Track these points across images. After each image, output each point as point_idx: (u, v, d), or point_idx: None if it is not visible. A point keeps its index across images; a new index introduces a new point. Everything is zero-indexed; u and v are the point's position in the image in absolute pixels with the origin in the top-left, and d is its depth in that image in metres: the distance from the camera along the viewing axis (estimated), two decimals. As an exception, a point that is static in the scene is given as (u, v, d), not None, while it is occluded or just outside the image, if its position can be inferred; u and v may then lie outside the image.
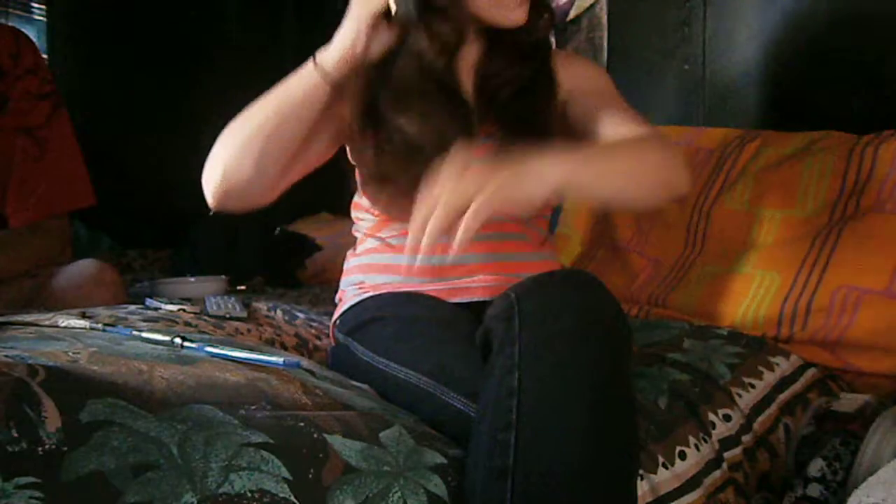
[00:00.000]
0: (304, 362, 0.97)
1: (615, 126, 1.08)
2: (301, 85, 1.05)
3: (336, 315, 1.20)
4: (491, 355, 0.79)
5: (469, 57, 1.14)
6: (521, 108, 1.12)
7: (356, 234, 1.25)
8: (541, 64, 1.16)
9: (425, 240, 0.83)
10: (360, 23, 1.04)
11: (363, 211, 1.20)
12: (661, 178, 1.01)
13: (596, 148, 1.03)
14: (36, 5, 2.90)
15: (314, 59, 1.05)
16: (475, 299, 1.11)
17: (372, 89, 1.08)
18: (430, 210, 0.83)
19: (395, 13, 1.04)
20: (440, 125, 1.05)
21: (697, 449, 0.97)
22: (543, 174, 0.86)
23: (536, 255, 1.18)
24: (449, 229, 0.82)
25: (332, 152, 1.17)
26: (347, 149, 1.19)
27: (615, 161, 0.97)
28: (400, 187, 1.05)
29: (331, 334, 1.23)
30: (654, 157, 1.02)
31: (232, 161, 1.04)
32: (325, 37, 1.19)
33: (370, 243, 1.20)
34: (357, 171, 1.18)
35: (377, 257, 1.18)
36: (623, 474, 0.76)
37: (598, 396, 0.74)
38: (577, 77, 1.18)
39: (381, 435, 0.77)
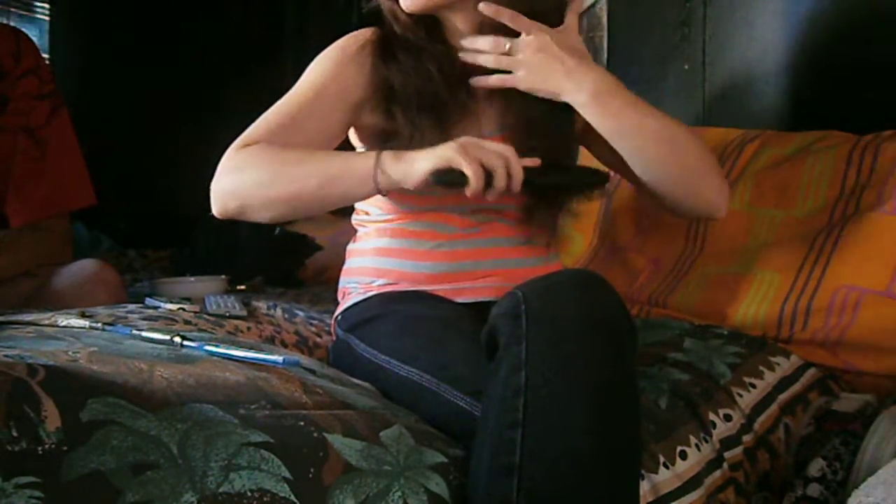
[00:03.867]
0: (304, 360, 0.97)
1: None
2: (352, 182, 1.01)
3: (338, 311, 1.20)
4: (497, 353, 0.79)
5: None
6: (528, 108, 1.11)
7: (359, 227, 1.24)
8: None
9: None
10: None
11: (371, 203, 1.19)
12: (693, 166, 1.12)
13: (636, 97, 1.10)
14: (39, 4, 2.90)
15: (378, 159, 0.99)
16: (480, 300, 1.12)
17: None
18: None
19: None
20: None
21: (698, 449, 0.97)
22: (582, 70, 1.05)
23: (543, 260, 1.19)
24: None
25: (346, 133, 1.18)
26: (353, 132, 1.20)
27: (651, 112, 1.08)
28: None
29: (332, 330, 1.23)
30: (692, 144, 1.11)
31: (252, 205, 1.05)
32: (325, 37, 1.19)
33: (376, 242, 1.19)
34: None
35: (384, 262, 1.17)
36: (627, 473, 0.77)
37: (603, 395, 0.75)
38: None
39: (381, 434, 0.77)
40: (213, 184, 1.07)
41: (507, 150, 0.96)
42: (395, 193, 1.11)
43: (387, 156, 0.99)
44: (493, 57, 1.07)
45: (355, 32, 1.17)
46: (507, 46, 1.06)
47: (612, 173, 1.16)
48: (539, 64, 1.05)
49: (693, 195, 1.13)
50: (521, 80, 1.06)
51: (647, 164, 1.11)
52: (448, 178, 0.96)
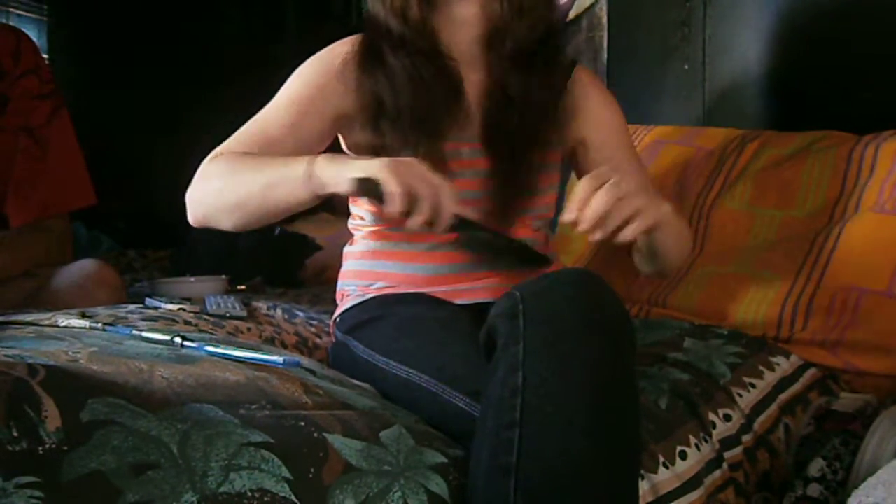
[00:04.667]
0: (304, 361, 0.97)
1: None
2: (290, 186, 0.98)
3: (337, 313, 1.20)
4: (495, 353, 0.79)
5: (469, 70, 1.15)
6: (506, 118, 1.12)
7: (355, 231, 1.24)
8: (541, 76, 1.16)
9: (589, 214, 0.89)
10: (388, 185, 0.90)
11: (366, 208, 1.19)
12: (686, 253, 1.25)
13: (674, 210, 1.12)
14: (35, 5, 2.90)
15: (313, 162, 0.96)
16: (479, 301, 1.11)
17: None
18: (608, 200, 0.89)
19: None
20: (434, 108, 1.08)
21: (698, 449, 0.97)
22: (662, 207, 0.98)
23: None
24: (602, 222, 0.90)
25: (327, 144, 1.17)
26: (342, 139, 1.19)
27: (682, 229, 1.17)
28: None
29: (331, 332, 1.23)
30: (690, 237, 1.24)
31: (213, 213, 1.07)
32: (325, 37, 1.19)
33: (373, 245, 1.19)
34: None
35: (382, 265, 1.17)
36: (625, 473, 0.76)
37: (601, 395, 0.75)
38: (596, 117, 1.22)
39: (381, 434, 0.77)
40: (187, 193, 1.08)
41: (443, 186, 0.91)
42: None
43: (322, 159, 0.97)
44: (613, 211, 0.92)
45: (336, 45, 1.16)
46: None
47: (552, 260, 1.12)
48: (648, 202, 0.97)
49: (667, 272, 1.27)
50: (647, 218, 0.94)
51: (655, 258, 1.16)
52: (369, 189, 0.91)
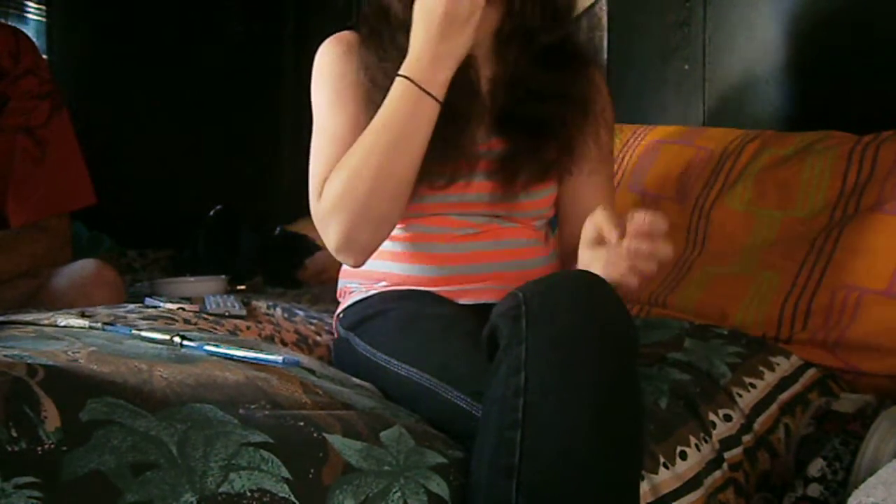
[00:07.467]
0: (304, 360, 0.97)
1: (600, 192, 1.19)
2: (412, 112, 0.99)
3: (340, 308, 1.20)
4: (497, 353, 0.80)
5: (483, 65, 1.13)
6: (527, 113, 1.10)
7: None
8: (560, 72, 1.13)
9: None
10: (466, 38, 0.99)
11: None
12: None
13: None
14: (34, 5, 2.90)
15: (411, 82, 0.99)
16: (482, 302, 1.11)
17: None
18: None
19: None
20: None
21: (698, 449, 0.97)
22: None
23: (548, 259, 1.19)
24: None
25: None
26: None
27: None
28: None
29: (334, 327, 1.23)
30: None
31: (352, 229, 1.03)
32: (325, 37, 1.18)
33: None
34: None
35: (385, 265, 1.16)
36: (627, 473, 0.77)
37: (603, 396, 0.75)
38: (599, 122, 1.19)
39: (381, 435, 0.77)
40: (329, 242, 1.05)
41: None
42: None
43: (416, 73, 0.98)
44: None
45: (335, 39, 1.15)
46: None
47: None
48: None
49: None
50: None
51: None
52: None
